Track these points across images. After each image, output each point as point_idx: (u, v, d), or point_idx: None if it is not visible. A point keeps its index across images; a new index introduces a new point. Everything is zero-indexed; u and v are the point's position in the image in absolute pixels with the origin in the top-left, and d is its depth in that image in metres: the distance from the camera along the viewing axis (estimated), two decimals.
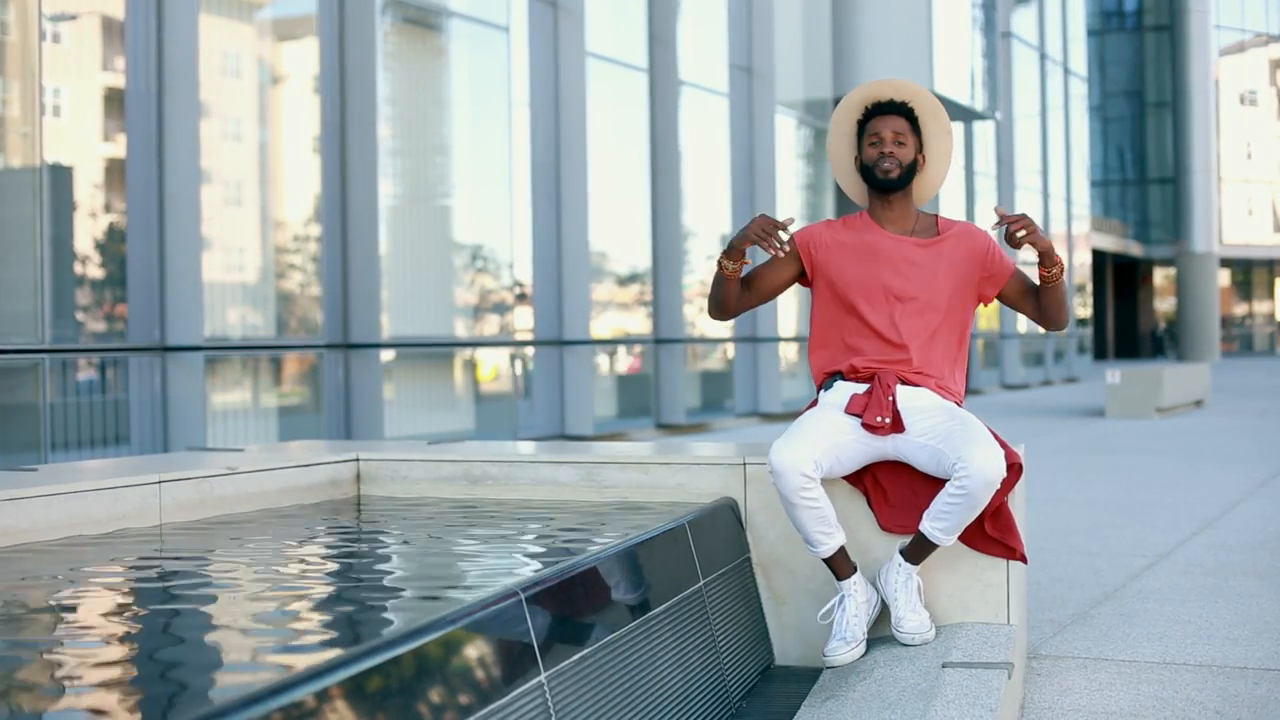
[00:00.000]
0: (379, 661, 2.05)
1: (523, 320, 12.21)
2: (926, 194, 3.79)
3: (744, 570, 3.73)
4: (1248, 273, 49.95)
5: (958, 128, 22.22)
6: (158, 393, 8.64)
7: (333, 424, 10.01)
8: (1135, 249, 43.77)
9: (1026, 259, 19.83)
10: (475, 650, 2.32)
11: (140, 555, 3.14)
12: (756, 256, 4.46)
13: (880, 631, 3.54)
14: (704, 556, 3.48)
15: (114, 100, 8.63)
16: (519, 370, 12.24)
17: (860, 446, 3.50)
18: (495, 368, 12.04)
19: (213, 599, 2.67)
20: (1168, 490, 8.16)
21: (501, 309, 12.01)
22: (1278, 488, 8.18)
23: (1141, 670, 3.77)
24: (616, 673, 2.76)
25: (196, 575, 2.93)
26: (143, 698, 1.94)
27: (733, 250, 3.59)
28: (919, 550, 3.45)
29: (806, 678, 3.50)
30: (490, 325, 11.90)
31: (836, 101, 13.28)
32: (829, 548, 3.44)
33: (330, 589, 2.82)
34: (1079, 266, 29.99)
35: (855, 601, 3.47)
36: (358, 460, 4.27)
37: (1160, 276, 48.63)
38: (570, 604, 2.72)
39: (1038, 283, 3.61)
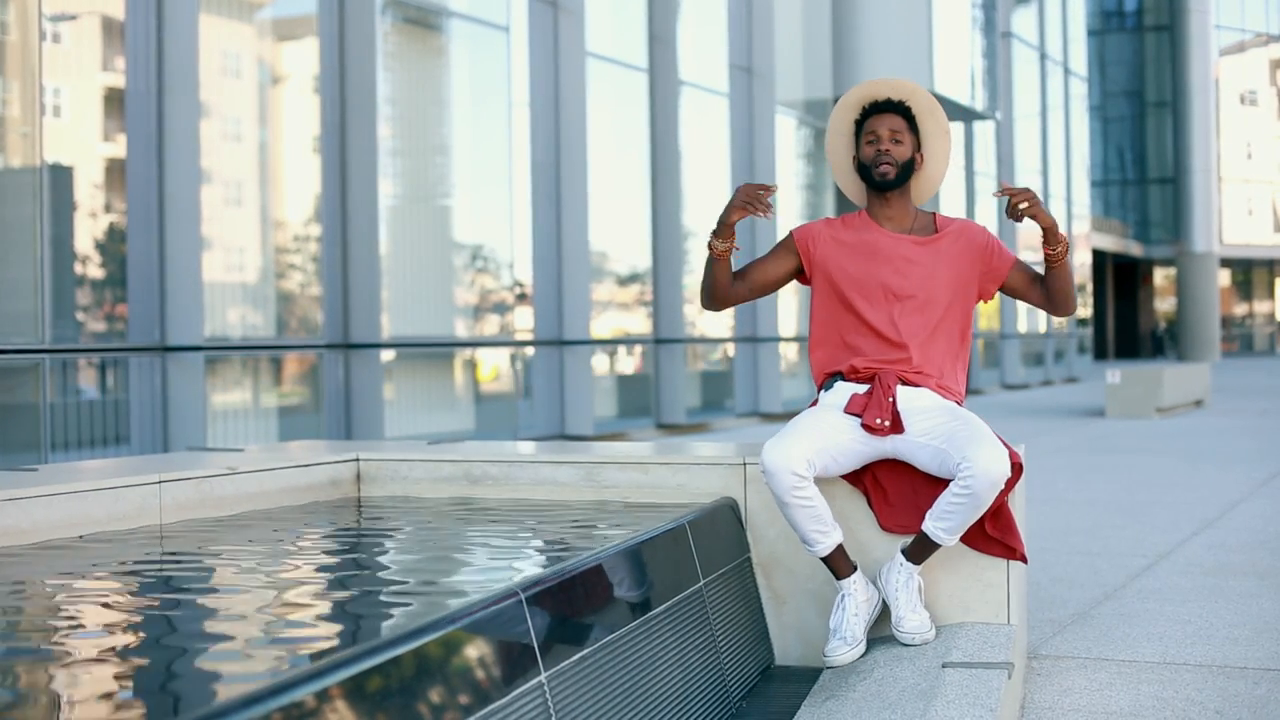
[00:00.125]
0: (379, 661, 2.05)
1: (523, 320, 12.21)
2: (925, 193, 3.79)
3: (744, 570, 3.73)
4: (1248, 273, 49.96)
5: (958, 128, 22.22)
6: (158, 393, 8.64)
7: (333, 424, 10.01)
8: (1135, 249, 43.78)
9: (1031, 244, 19.73)
10: (475, 650, 2.32)
11: (140, 555, 3.14)
12: (756, 250, 4.44)
13: (880, 631, 3.54)
14: (704, 556, 3.48)
15: (114, 100, 8.63)
16: (519, 369, 12.24)
17: (860, 446, 3.50)
18: (495, 367, 12.04)
19: (213, 599, 2.67)
20: (1168, 490, 8.16)
21: (501, 309, 12.01)
22: (1278, 488, 8.18)
23: (1141, 670, 3.77)
24: (616, 673, 2.76)
25: (196, 575, 2.93)
26: (143, 698, 1.94)
27: (721, 228, 3.59)
28: (921, 550, 3.45)
29: (806, 678, 3.50)
30: (490, 325, 11.90)
31: (836, 101, 13.29)
32: (826, 546, 3.44)
33: (330, 589, 2.81)
34: (1079, 266, 30.00)
35: (855, 601, 3.46)
36: (358, 460, 4.27)
37: (1160, 276, 48.64)
38: (570, 604, 2.72)
39: (1043, 263, 3.58)
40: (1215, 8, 41.45)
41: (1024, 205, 3.37)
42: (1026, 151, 25.77)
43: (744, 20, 15.89)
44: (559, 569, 2.75)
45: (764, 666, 3.66)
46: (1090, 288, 33.59)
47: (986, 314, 23.36)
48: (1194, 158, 40.53)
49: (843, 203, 16.25)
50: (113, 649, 2.23)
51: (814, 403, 3.67)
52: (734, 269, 3.74)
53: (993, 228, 21.89)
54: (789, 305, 16.64)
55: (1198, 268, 40.51)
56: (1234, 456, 10.33)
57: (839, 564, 3.48)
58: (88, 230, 8.53)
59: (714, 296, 3.72)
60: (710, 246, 3.63)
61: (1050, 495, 7.84)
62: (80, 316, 8.42)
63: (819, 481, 3.57)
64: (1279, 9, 45.91)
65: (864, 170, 3.67)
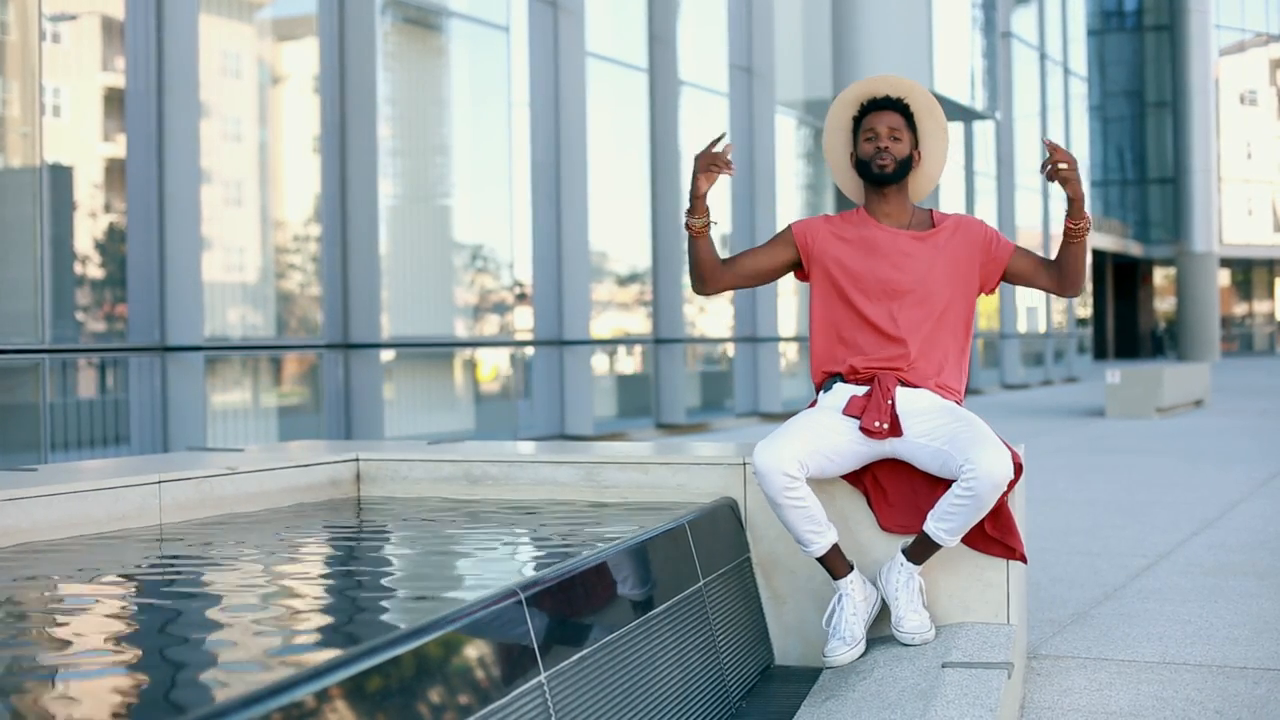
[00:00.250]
0: (379, 661, 2.05)
1: (523, 320, 12.21)
2: (923, 190, 3.79)
3: (744, 570, 3.73)
4: (1248, 273, 49.96)
5: (957, 127, 22.22)
6: (158, 393, 8.64)
7: (333, 424, 10.01)
8: (1135, 249, 43.77)
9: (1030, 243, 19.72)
10: (475, 650, 2.32)
11: (140, 555, 3.14)
12: (756, 242, 4.44)
13: (880, 631, 3.54)
14: (704, 556, 3.48)
15: (114, 100, 8.63)
16: (518, 369, 12.24)
17: (859, 446, 3.50)
18: (495, 367, 12.04)
19: (212, 599, 2.67)
20: (1168, 490, 8.16)
21: (501, 309, 12.01)
22: (1278, 488, 8.18)
23: (1141, 670, 3.77)
24: (616, 673, 2.76)
25: (196, 575, 2.93)
26: (143, 698, 1.94)
27: (694, 202, 3.58)
28: (922, 550, 3.45)
29: (806, 678, 3.50)
30: (490, 325, 11.90)
31: None
32: (821, 546, 3.44)
33: (330, 589, 2.82)
34: None
35: (853, 601, 3.46)
36: (357, 460, 4.27)
37: (1160, 276, 48.63)
38: (570, 604, 2.72)
39: (1063, 235, 3.54)
40: (1215, 8, 41.44)
41: (1063, 166, 3.35)
42: (1026, 151, 25.77)
43: (744, 20, 15.89)
44: (559, 569, 2.75)
45: (764, 666, 3.66)
46: (1090, 287, 33.59)
47: (986, 314, 23.35)
48: (1194, 158, 40.52)
49: (842, 202, 16.25)
50: (113, 649, 2.23)
51: (812, 403, 3.67)
52: (730, 255, 3.74)
53: (991, 224, 21.87)
54: (789, 305, 16.64)
55: (1197, 268, 40.51)
56: (1234, 456, 10.33)
57: (835, 564, 3.48)
58: (88, 230, 8.53)
59: (702, 278, 3.71)
60: (688, 226, 3.63)
61: (1050, 495, 7.84)
62: (80, 316, 8.42)
63: (817, 482, 3.57)
64: (1279, 9, 45.91)
65: (862, 167, 3.67)
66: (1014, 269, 3.68)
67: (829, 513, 3.55)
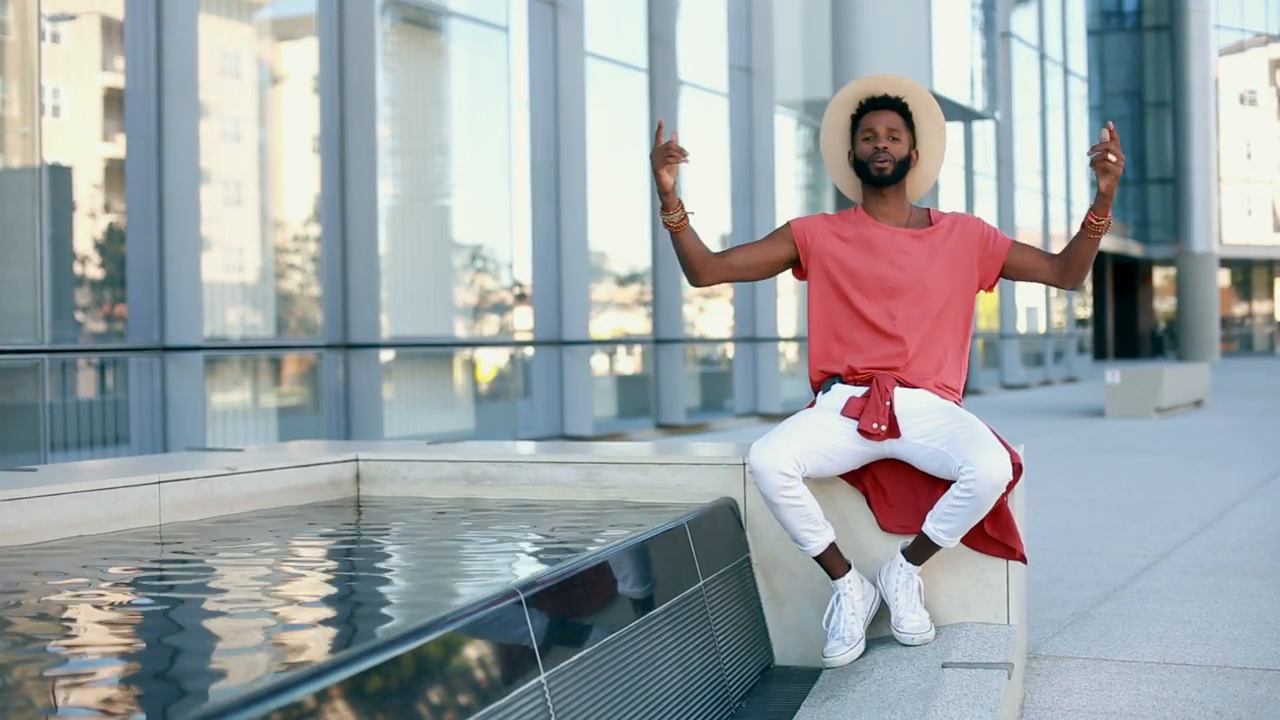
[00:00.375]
0: (379, 661, 2.05)
1: (522, 320, 12.21)
2: (921, 189, 3.79)
3: (744, 570, 3.73)
4: (1247, 273, 49.96)
5: (957, 128, 22.22)
6: (157, 393, 8.64)
7: (332, 424, 10.01)
8: (1135, 249, 43.78)
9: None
10: (475, 650, 2.32)
11: (140, 555, 3.14)
12: (756, 231, 4.44)
13: (880, 631, 3.54)
14: (704, 556, 3.48)
15: (114, 100, 8.63)
16: (518, 369, 12.24)
17: (857, 446, 3.50)
18: (495, 366, 12.04)
19: (212, 599, 2.67)
20: (1168, 490, 8.16)
21: (501, 309, 12.01)
22: (1278, 488, 8.18)
23: (1141, 670, 3.77)
24: (616, 673, 2.76)
25: (196, 575, 2.93)
26: (142, 698, 1.94)
27: (663, 199, 3.57)
28: (921, 551, 3.45)
29: (806, 678, 3.50)
30: (490, 325, 11.90)
31: None
32: (818, 545, 3.44)
33: (330, 589, 2.81)
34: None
35: (851, 600, 3.46)
36: (357, 460, 4.27)
37: (1160, 276, 48.64)
38: (570, 604, 2.72)
39: (1081, 228, 3.50)
40: (1215, 8, 41.45)
41: (1113, 159, 3.32)
42: (1026, 151, 25.77)
43: (744, 20, 15.89)
44: (558, 569, 2.75)
45: (763, 667, 3.66)
46: (1090, 287, 33.59)
47: (986, 314, 23.35)
48: (1194, 158, 40.53)
49: (842, 203, 16.25)
50: (112, 649, 2.23)
51: (811, 404, 3.66)
52: (729, 247, 3.74)
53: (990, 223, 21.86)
54: (789, 305, 16.64)
55: (1197, 268, 40.52)
56: (1234, 456, 10.33)
57: (833, 563, 3.48)
58: (87, 230, 8.53)
59: (693, 271, 3.70)
60: (665, 224, 3.62)
61: (1050, 495, 7.84)
62: (80, 316, 8.42)
63: (816, 481, 3.57)
64: (1279, 9, 45.91)
65: (860, 167, 3.67)
66: (1013, 263, 3.68)
67: (828, 513, 3.55)
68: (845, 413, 3.50)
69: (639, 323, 14.06)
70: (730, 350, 15.68)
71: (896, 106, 3.67)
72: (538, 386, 12.38)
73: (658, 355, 14.08)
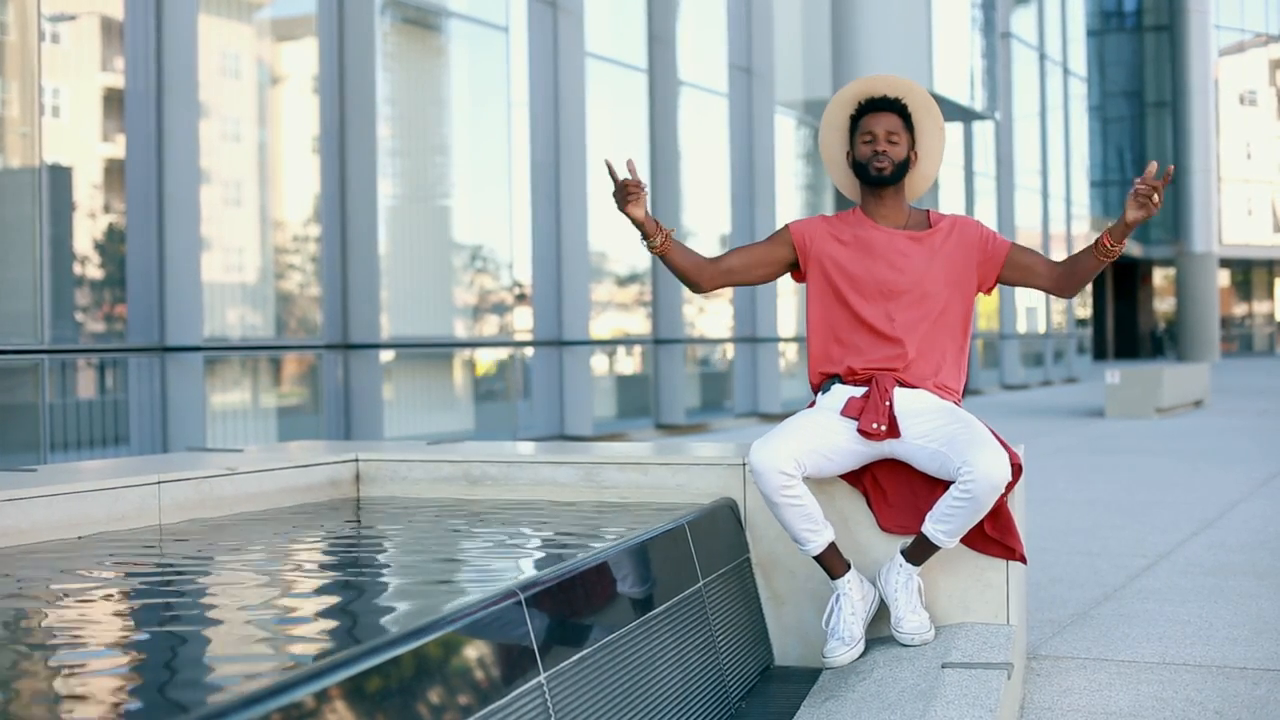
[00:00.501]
0: (379, 661, 2.05)
1: (522, 320, 12.21)
2: (919, 189, 3.79)
3: (743, 570, 3.73)
4: (1247, 273, 49.96)
5: (957, 128, 22.22)
6: (157, 393, 8.64)
7: (332, 424, 10.01)
8: (1135, 249, 43.74)
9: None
10: (475, 650, 2.32)
11: (139, 556, 3.14)
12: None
13: (880, 631, 3.54)
14: (704, 557, 3.48)
15: (113, 100, 8.63)
16: (518, 369, 12.25)
17: (857, 446, 3.50)
18: (492, 363, 12.04)
19: (212, 599, 2.67)
20: (1168, 490, 8.16)
21: (501, 309, 12.01)
22: (1278, 488, 8.18)
23: (1141, 670, 3.77)
24: (616, 673, 2.76)
25: (196, 576, 2.93)
26: (142, 698, 1.94)
27: (641, 230, 3.58)
28: (921, 551, 3.45)
29: (806, 678, 3.50)
30: (490, 325, 11.90)
31: None
32: (817, 545, 3.44)
33: (330, 589, 2.81)
34: None
35: (851, 600, 3.46)
36: (357, 461, 4.27)
37: (1160, 276, 48.63)
38: (570, 604, 2.72)
39: (1094, 245, 3.49)
40: (1215, 8, 41.45)
41: (1156, 199, 3.28)
42: (1026, 152, 25.77)
43: (743, 20, 15.89)
44: (558, 569, 2.75)
45: (763, 667, 3.66)
46: (1090, 288, 33.59)
47: (986, 314, 23.35)
48: (1193, 158, 40.52)
49: (842, 203, 16.25)
50: (112, 650, 2.23)
51: (811, 404, 3.66)
52: (729, 248, 3.74)
53: (990, 225, 21.89)
54: (789, 305, 16.64)
55: (1197, 268, 40.51)
56: (1234, 456, 10.33)
57: (832, 562, 3.48)
58: (87, 230, 8.52)
59: (691, 282, 3.73)
60: (649, 250, 3.63)
61: (1050, 495, 7.84)
62: (79, 317, 8.42)
63: (816, 481, 3.57)
64: (1279, 9, 45.91)
65: (859, 168, 3.67)
66: (1011, 266, 3.67)
67: (828, 513, 3.55)
68: (845, 413, 3.50)
69: (639, 323, 14.06)
70: (730, 350, 15.68)
71: (895, 107, 3.67)
72: (537, 387, 12.38)
73: (657, 355, 14.08)
